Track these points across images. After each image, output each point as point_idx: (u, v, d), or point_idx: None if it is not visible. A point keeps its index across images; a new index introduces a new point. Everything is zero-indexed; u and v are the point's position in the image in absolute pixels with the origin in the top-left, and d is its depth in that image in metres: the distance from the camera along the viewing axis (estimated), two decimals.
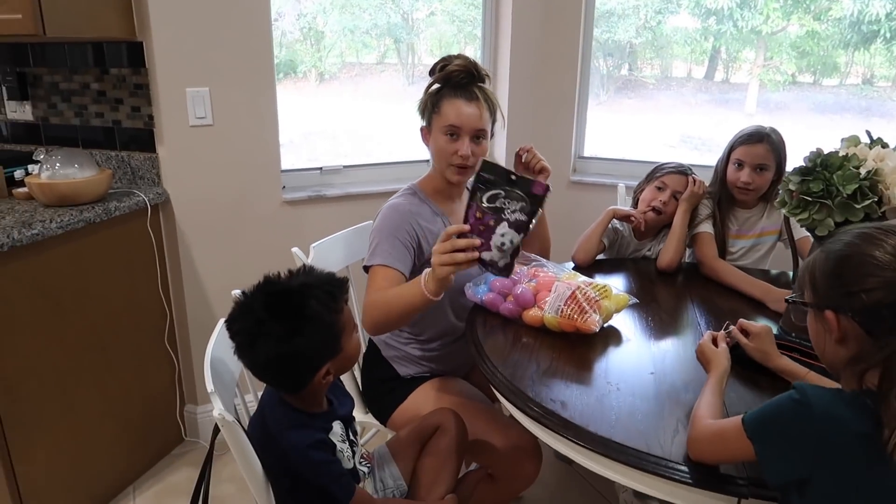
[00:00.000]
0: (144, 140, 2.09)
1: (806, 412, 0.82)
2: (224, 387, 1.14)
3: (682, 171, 1.97)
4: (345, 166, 2.49)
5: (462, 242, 1.20)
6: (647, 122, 2.88)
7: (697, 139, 2.88)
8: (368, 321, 1.41)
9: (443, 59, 1.54)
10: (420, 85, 1.59)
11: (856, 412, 0.81)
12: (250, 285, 1.10)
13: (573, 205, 2.65)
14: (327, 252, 1.76)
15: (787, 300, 0.97)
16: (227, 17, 2.03)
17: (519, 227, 1.20)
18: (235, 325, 1.07)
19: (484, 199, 1.20)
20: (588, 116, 2.71)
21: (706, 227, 1.93)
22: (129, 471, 2.12)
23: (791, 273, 1.82)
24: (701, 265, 1.87)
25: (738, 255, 1.97)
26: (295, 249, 1.69)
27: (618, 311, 1.49)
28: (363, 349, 1.76)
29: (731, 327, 1.30)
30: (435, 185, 1.63)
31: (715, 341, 1.23)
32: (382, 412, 1.66)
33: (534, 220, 1.20)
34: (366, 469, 1.28)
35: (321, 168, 2.45)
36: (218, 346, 1.20)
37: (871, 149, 1.30)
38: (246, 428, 1.15)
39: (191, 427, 2.33)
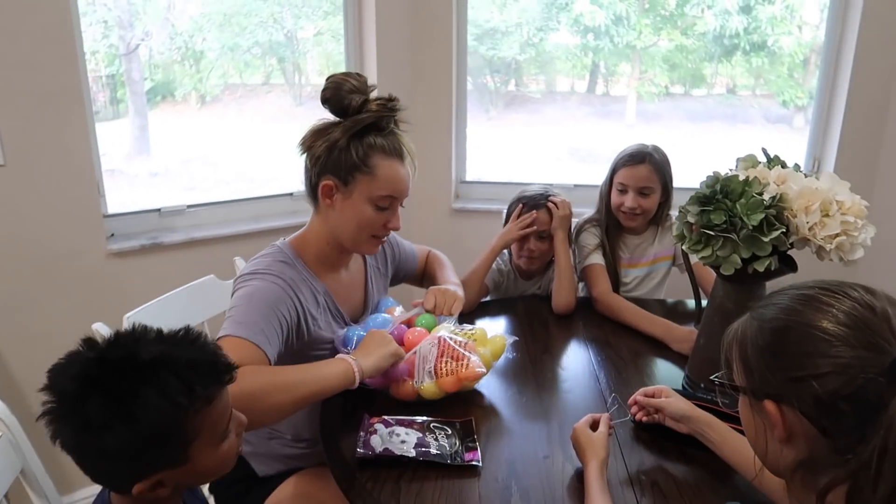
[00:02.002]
0: None
1: None
2: None
3: (537, 205, 1.71)
4: (189, 206, 2.11)
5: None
6: (536, 136, 2.90)
7: (584, 151, 2.91)
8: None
9: (341, 84, 1.16)
10: (310, 106, 1.24)
11: None
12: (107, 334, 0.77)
13: (456, 235, 2.42)
14: (160, 316, 1.41)
15: (713, 380, 0.75)
16: (17, 29, 1.63)
17: (420, 448, 1.03)
18: (49, 385, 0.73)
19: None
20: (472, 136, 2.53)
21: (596, 259, 1.74)
22: None
23: (693, 303, 1.66)
24: (595, 302, 1.68)
25: (632, 286, 1.80)
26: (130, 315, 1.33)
27: (496, 357, 1.26)
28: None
29: (616, 399, 1.11)
30: (320, 252, 1.26)
31: (594, 425, 1.01)
32: None
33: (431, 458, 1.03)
34: None
35: (160, 209, 2.07)
36: None
37: (770, 169, 1.14)
38: None
39: None
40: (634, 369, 1.39)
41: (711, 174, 1.16)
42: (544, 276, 1.82)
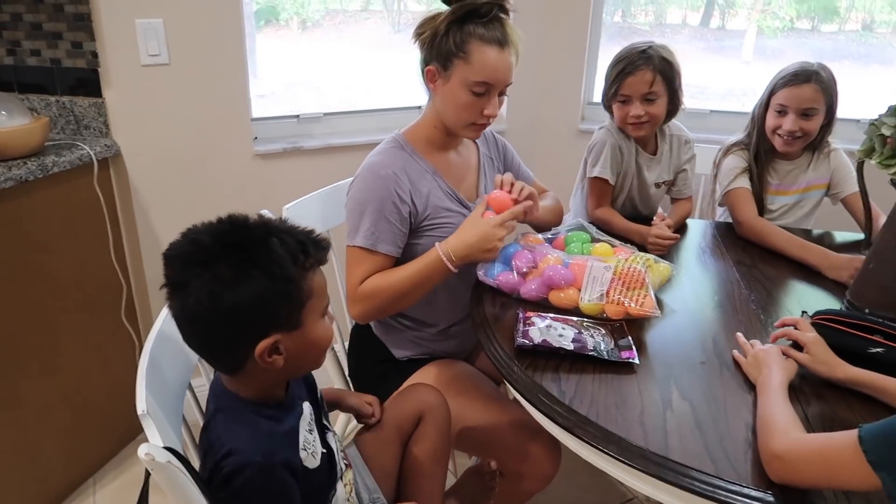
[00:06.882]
0: (89, 82, 1.77)
1: None
2: (166, 401, 0.88)
3: (634, 68, 1.57)
4: (325, 114, 2.19)
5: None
6: None
7: (695, 87, 2.71)
8: (360, 310, 1.27)
9: None
10: (407, 34, 1.30)
11: None
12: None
13: (581, 157, 2.37)
14: (304, 214, 1.50)
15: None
16: None
17: (577, 343, 1.06)
18: (171, 254, 0.83)
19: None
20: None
21: (742, 182, 1.67)
22: (87, 462, 1.88)
23: (844, 235, 1.58)
24: (739, 225, 1.62)
25: (777, 214, 1.72)
26: (265, 212, 1.42)
27: (657, 287, 1.25)
28: (337, 340, 1.51)
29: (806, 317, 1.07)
30: (428, 136, 1.36)
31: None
32: None
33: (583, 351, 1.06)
34: (344, 466, 1.02)
35: (298, 116, 2.15)
36: (162, 342, 0.94)
37: None
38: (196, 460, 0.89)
39: None
40: (786, 292, 1.35)
41: None
42: (668, 157, 1.74)
